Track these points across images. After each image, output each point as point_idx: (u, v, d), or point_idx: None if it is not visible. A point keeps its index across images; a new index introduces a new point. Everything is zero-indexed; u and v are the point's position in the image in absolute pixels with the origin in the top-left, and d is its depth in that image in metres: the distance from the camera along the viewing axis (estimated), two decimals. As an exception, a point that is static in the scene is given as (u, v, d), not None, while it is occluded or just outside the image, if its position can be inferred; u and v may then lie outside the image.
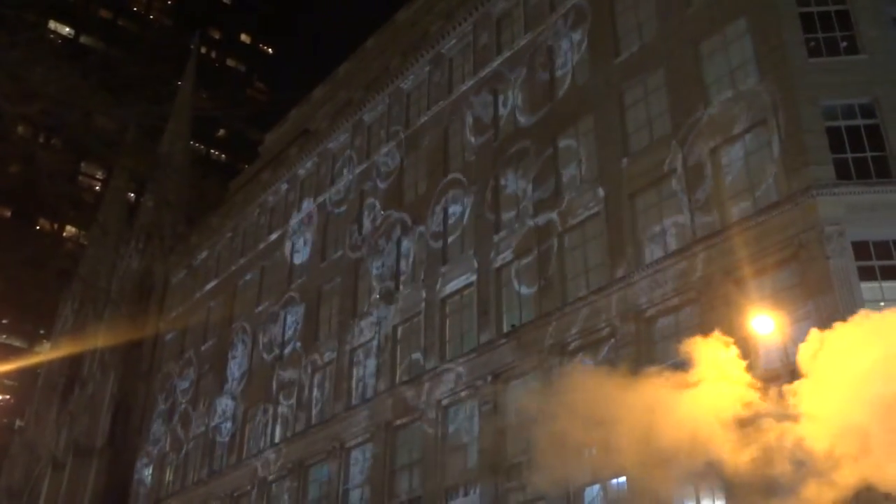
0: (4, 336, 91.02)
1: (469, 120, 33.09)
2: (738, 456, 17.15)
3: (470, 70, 34.12)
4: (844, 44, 22.90)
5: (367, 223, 36.88)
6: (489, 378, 27.23)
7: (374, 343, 33.31)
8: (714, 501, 20.30)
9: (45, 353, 73.35)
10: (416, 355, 30.97)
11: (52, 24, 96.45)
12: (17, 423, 78.47)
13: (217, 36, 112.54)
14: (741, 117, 23.10)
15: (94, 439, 53.34)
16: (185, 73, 73.90)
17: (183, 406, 46.12)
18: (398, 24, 42.51)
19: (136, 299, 56.77)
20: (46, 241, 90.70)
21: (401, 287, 33.20)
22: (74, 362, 62.13)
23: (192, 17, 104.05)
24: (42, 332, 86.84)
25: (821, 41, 22.96)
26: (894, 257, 20.04)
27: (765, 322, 19.75)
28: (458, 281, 30.39)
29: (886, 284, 19.78)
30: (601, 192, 26.23)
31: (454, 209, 32.10)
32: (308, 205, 41.72)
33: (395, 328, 32.71)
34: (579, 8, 29.89)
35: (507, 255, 28.85)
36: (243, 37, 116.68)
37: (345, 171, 39.87)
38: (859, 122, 21.69)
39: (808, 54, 22.68)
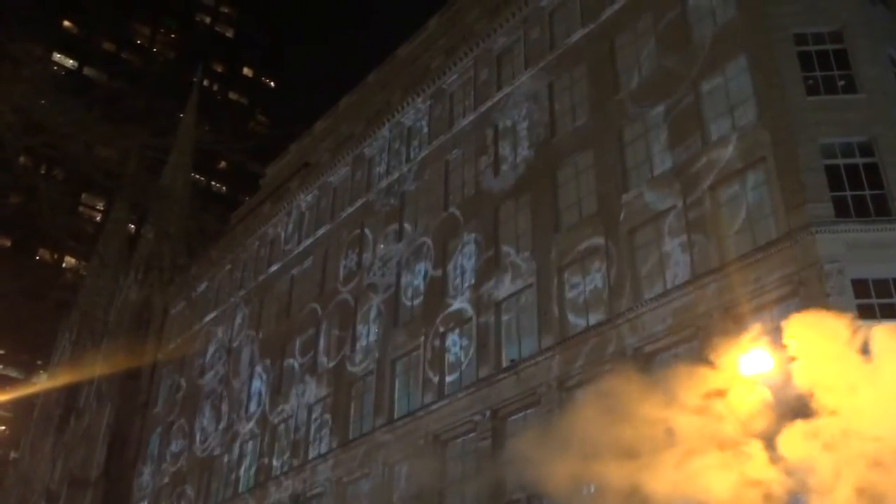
0: (1, 366, 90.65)
1: (469, 154, 33.27)
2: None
3: (470, 105, 34.34)
4: (842, 82, 23.08)
5: (366, 257, 36.91)
6: (487, 413, 27.11)
7: (372, 378, 33.18)
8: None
9: (42, 384, 72.99)
10: (412, 389, 30.86)
11: (57, 57, 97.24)
12: (12, 454, 77.96)
13: (220, 69, 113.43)
14: (740, 154, 23.22)
15: (89, 471, 52.96)
16: (187, 105, 74.39)
17: (181, 437, 45.82)
18: (399, 59, 42.86)
19: (134, 330, 56.66)
20: (46, 271, 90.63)
21: (399, 319, 33.19)
22: (71, 393, 61.87)
23: (194, 50, 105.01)
24: (39, 362, 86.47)
25: (819, 80, 23.14)
26: (894, 296, 20.03)
27: (763, 359, 19.65)
28: (459, 312, 30.37)
29: (886, 323, 19.73)
30: (601, 227, 26.28)
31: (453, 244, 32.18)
32: (308, 238, 41.80)
33: (392, 363, 32.61)
34: (577, 47, 30.16)
35: (502, 292, 28.83)
36: (246, 70, 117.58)
37: (345, 204, 39.95)
38: (858, 160, 21.79)
39: (807, 92, 22.85)
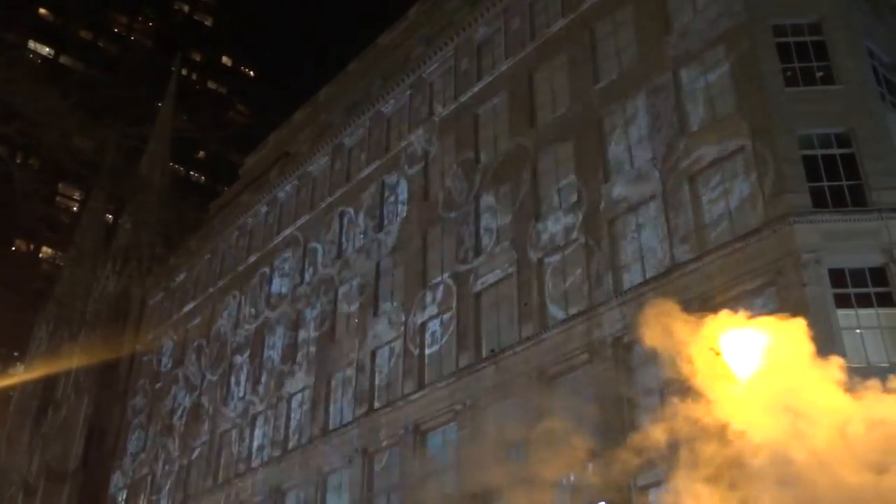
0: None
1: (450, 144, 33.22)
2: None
3: (451, 95, 34.27)
4: (821, 74, 23.24)
5: (346, 245, 36.82)
6: (468, 402, 27.15)
7: (353, 370, 33.13)
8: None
9: (19, 376, 72.39)
10: (394, 379, 30.86)
11: (32, 45, 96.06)
12: (-11, 446, 77.23)
13: (198, 58, 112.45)
14: (719, 145, 23.32)
15: (66, 463, 52.64)
16: (165, 94, 73.78)
17: (159, 428, 45.62)
18: (380, 49, 42.70)
19: (112, 321, 56.28)
20: (22, 261, 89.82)
21: (379, 310, 33.15)
22: (48, 384, 61.40)
23: (173, 39, 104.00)
24: (16, 354, 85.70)
25: (797, 71, 23.29)
26: (870, 285, 20.23)
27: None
28: (436, 307, 30.36)
29: (862, 312, 19.98)
30: (580, 216, 26.34)
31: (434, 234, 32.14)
32: (287, 229, 41.64)
33: (372, 353, 32.57)
34: (558, 37, 30.16)
35: (486, 279, 28.86)
36: (224, 59, 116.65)
37: (325, 194, 39.80)
38: (835, 151, 21.97)
39: (785, 83, 22.99)
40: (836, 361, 16.77)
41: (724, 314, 18.82)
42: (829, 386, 16.26)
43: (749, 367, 17.30)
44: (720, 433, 17.17)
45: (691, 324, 18.54)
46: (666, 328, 18.71)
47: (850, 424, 15.64)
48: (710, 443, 17.43)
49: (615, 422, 22.44)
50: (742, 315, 18.65)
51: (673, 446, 18.92)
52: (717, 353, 17.88)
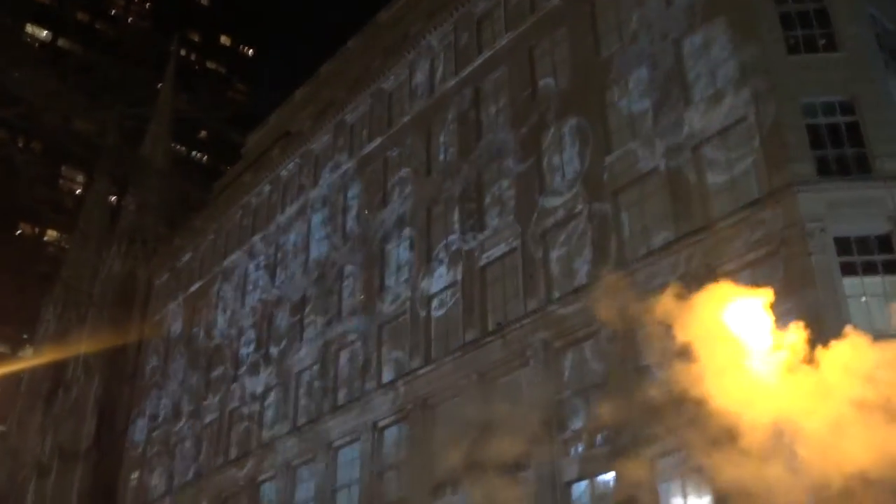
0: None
1: (452, 119, 33.17)
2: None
3: (451, 70, 34.16)
4: (823, 41, 23.12)
5: (350, 224, 36.89)
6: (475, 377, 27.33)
7: (359, 344, 33.31)
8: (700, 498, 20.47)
9: (29, 358, 72.86)
10: (400, 354, 31.03)
11: (30, 28, 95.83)
12: (1, 428, 77.94)
13: (196, 38, 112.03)
14: (722, 114, 23.26)
15: (78, 443, 53.08)
16: (164, 75, 73.57)
17: (171, 406, 45.95)
18: (379, 24, 42.50)
19: (119, 302, 56.52)
20: (28, 245, 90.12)
21: (385, 290, 33.27)
22: (58, 366, 61.80)
23: (170, 19, 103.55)
24: (25, 336, 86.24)
25: (800, 38, 23.16)
26: (875, 253, 20.24)
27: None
28: (446, 278, 30.46)
29: (868, 280, 19.99)
30: (584, 188, 26.34)
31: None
32: (291, 206, 41.68)
33: (380, 327, 32.73)
34: (558, 9, 30.00)
35: (491, 254, 28.93)
36: (223, 38, 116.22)
37: (327, 171, 39.80)
38: (839, 118, 21.88)
39: (788, 51, 22.87)
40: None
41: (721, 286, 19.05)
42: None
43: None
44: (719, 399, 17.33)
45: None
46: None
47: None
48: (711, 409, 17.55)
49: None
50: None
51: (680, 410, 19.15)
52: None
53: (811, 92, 22.14)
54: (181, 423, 44.02)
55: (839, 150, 21.43)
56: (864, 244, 20.33)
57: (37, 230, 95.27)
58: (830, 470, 15.63)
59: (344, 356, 34.28)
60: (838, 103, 22.07)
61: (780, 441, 16.68)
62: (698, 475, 19.83)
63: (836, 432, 15.64)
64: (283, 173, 43.44)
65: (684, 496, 20.85)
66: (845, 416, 15.65)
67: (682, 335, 18.68)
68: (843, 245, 20.19)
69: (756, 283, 20.62)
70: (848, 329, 17.35)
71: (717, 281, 21.11)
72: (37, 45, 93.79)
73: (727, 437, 17.38)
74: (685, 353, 18.37)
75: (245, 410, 39.24)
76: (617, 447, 22.18)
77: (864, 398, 15.72)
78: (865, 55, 22.60)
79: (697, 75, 24.51)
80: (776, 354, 17.27)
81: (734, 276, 20.98)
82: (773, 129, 21.83)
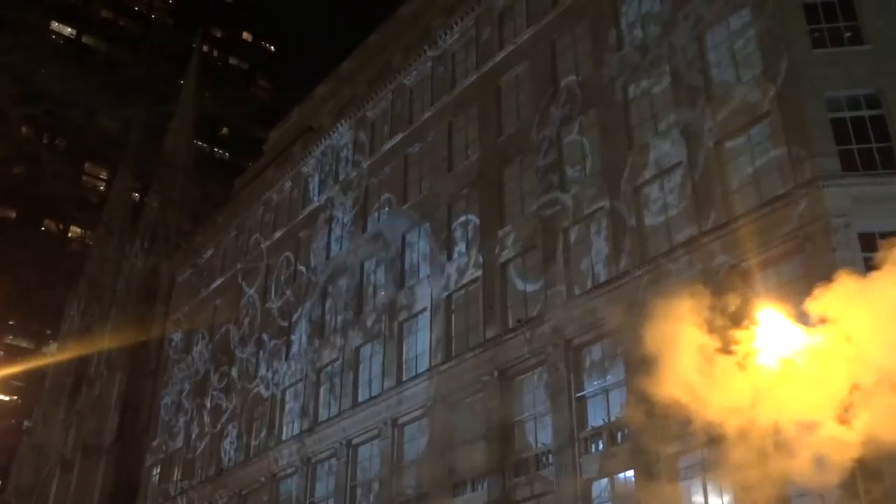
0: (11, 337, 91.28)
1: (473, 115, 33.07)
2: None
3: (472, 65, 34.06)
4: (848, 34, 22.80)
5: (371, 221, 36.90)
6: (495, 373, 27.26)
7: (380, 344, 33.31)
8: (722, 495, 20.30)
9: (52, 354, 73.55)
10: (421, 351, 31.03)
11: (55, 25, 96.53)
12: (25, 423, 78.76)
13: (219, 34, 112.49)
14: (745, 109, 23.01)
15: (102, 438, 53.54)
16: (187, 71, 73.93)
17: (192, 402, 46.21)
18: (400, 20, 42.43)
19: (142, 298, 56.94)
20: (52, 241, 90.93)
21: (405, 282, 33.25)
22: (81, 362, 62.35)
23: (193, 15, 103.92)
24: (49, 332, 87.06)
25: (825, 32, 22.87)
26: (901, 249, 19.91)
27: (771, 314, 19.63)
28: (465, 276, 30.40)
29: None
30: (605, 185, 26.19)
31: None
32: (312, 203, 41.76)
33: (401, 324, 32.73)
34: (579, 3, 29.80)
35: (510, 251, 28.84)
36: (245, 35, 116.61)
37: (348, 167, 39.84)
38: (864, 112, 21.60)
39: (812, 45, 22.59)
40: None
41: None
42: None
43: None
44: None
45: None
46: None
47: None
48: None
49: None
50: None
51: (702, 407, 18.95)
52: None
53: (836, 86, 21.87)
54: (202, 419, 44.24)
55: (865, 144, 21.14)
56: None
57: (61, 227, 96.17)
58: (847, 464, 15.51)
59: (365, 352, 34.32)
60: (864, 97, 21.79)
61: (804, 437, 16.45)
62: (720, 473, 19.66)
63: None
64: (305, 169, 43.50)
65: (705, 494, 20.69)
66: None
67: (703, 331, 18.47)
68: (867, 241, 19.89)
69: (779, 278, 20.46)
70: None
71: (740, 276, 20.98)
72: (62, 42, 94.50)
73: (749, 434, 17.19)
74: (706, 350, 18.18)
75: (266, 406, 39.39)
76: (638, 445, 22.04)
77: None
78: (891, 48, 22.24)
79: (721, 69, 24.26)
80: (798, 350, 17.03)
81: (757, 272, 20.77)
82: (797, 123, 21.57)
